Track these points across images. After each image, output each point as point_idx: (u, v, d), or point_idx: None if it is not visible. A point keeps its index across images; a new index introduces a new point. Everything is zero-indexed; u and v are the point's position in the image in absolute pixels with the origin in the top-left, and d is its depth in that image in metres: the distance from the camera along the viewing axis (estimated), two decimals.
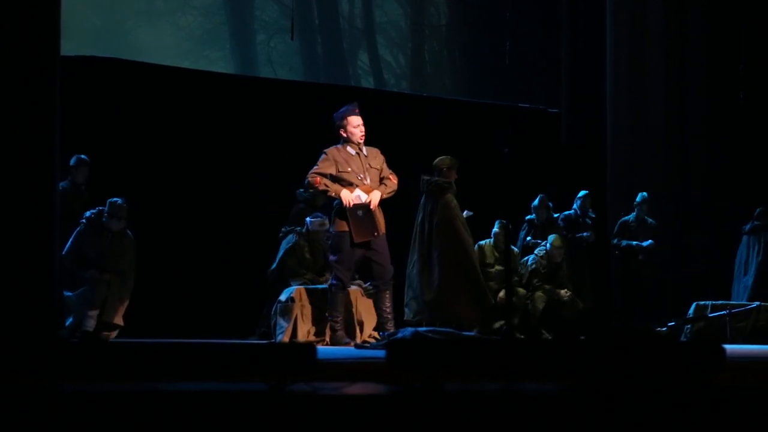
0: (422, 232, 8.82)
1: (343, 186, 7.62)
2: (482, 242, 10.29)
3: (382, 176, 7.76)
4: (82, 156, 9.13)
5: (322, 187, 7.64)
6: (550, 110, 12.81)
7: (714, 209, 11.65)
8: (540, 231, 10.55)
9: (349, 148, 7.71)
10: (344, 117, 7.74)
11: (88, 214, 8.61)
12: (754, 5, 11.97)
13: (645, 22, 11.90)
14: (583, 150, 12.26)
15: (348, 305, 8.80)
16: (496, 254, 10.20)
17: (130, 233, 8.77)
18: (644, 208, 10.77)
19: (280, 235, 9.45)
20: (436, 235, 8.72)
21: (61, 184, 8.95)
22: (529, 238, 10.62)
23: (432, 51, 22.84)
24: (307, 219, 9.32)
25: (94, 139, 9.69)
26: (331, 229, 8.10)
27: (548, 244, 10.10)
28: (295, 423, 3.31)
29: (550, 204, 10.62)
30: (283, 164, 10.81)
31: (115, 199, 8.66)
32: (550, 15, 13.75)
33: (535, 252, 10.21)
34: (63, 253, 8.41)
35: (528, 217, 10.71)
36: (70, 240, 8.54)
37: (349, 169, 7.64)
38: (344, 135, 7.73)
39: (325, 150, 7.74)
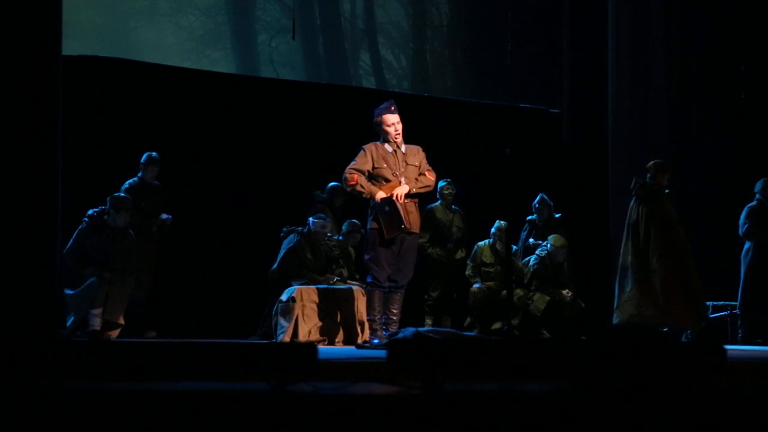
0: (635, 234, 8.71)
1: (379, 183, 7.63)
2: (481, 242, 10.31)
3: (420, 172, 7.78)
4: (153, 154, 9.23)
5: (358, 188, 7.63)
6: (551, 110, 12.81)
7: (714, 209, 11.64)
8: (541, 231, 10.54)
9: (386, 145, 7.72)
10: (380, 115, 7.75)
11: (90, 212, 8.64)
12: (755, 5, 11.97)
13: (647, 22, 11.88)
14: (585, 150, 12.26)
15: (349, 305, 8.81)
16: (495, 254, 10.21)
17: (131, 232, 8.79)
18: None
19: (281, 234, 9.45)
20: (654, 241, 8.59)
21: (129, 180, 9.08)
22: (531, 240, 10.61)
23: (433, 51, 22.85)
24: (310, 219, 9.33)
25: (95, 139, 9.70)
26: (364, 230, 8.12)
27: (549, 245, 10.09)
28: (296, 423, 3.31)
29: (551, 203, 10.60)
30: (284, 164, 10.81)
31: (116, 194, 8.70)
32: (551, 15, 13.76)
33: (537, 252, 10.20)
34: (65, 251, 8.42)
35: (529, 217, 10.71)
36: (72, 238, 8.55)
37: (385, 165, 7.65)
38: (380, 133, 7.75)
39: (363, 146, 7.76)
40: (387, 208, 7.54)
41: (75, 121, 9.03)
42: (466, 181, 10.92)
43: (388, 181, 7.64)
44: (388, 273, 7.66)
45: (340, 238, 9.62)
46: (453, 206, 10.45)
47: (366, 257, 7.76)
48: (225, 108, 10.64)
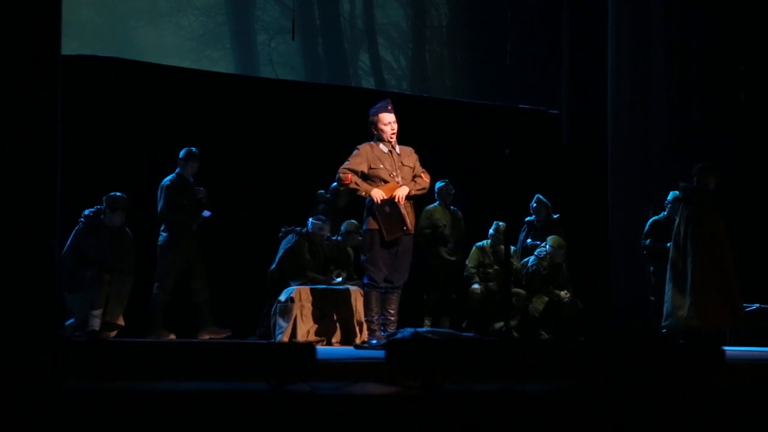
0: (677, 236, 8.70)
1: (376, 183, 7.59)
2: (480, 243, 10.31)
3: (414, 174, 7.72)
4: (193, 149, 9.10)
5: (352, 186, 7.57)
6: (550, 111, 12.81)
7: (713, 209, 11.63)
8: (539, 232, 10.54)
9: (381, 146, 7.64)
10: (376, 114, 7.68)
11: (86, 212, 8.63)
12: (755, 5, 11.97)
13: (647, 22, 11.88)
14: (584, 151, 12.25)
15: (347, 305, 8.81)
16: (493, 255, 10.20)
17: (128, 231, 8.78)
18: (676, 208, 10.50)
19: (280, 235, 9.45)
20: (692, 244, 8.58)
21: (168, 177, 9.01)
22: (529, 240, 10.61)
23: (433, 52, 22.86)
24: (309, 220, 9.33)
25: (94, 139, 9.69)
26: (361, 229, 8.08)
27: (548, 246, 10.09)
28: (295, 423, 3.31)
29: (548, 204, 10.60)
30: (284, 164, 10.81)
31: (112, 193, 8.68)
32: (551, 15, 13.76)
33: (536, 253, 10.20)
34: (63, 253, 8.42)
35: (528, 218, 10.70)
36: (69, 239, 8.55)
37: (381, 166, 7.58)
38: (375, 132, 7.69)
39: (357, 146, 7.68)
40: (387, 210, 7.52)
41: (74, 121, 9.02)
42: (465, 182, 10.91)
43: (385, 182, 7.60)
44: (385, 274, 7.64)
45: (339, 238, 9.62)
46: (451, 207, 10.44)
47: (363, 258, 7.75)
48: (224, 108, 10.64)
